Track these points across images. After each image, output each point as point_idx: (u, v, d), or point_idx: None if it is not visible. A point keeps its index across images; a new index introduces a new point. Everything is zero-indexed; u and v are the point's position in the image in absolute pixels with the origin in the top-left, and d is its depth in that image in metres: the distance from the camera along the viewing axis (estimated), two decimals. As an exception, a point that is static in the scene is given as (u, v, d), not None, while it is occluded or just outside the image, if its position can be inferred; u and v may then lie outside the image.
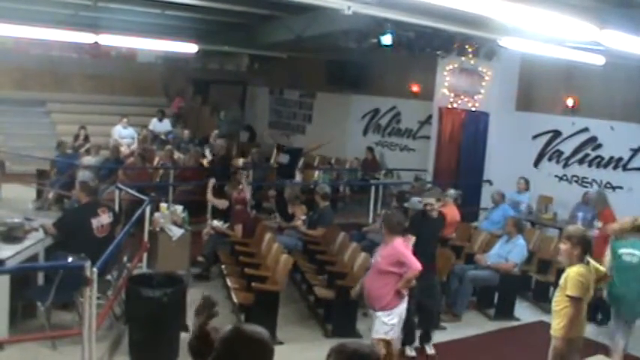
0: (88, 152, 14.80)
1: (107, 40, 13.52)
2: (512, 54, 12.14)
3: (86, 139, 16.24)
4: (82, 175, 11.30)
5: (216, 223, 10.33)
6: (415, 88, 16.47)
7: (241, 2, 12.28)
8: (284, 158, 14.04)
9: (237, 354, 2.90)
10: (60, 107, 19.12)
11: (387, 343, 6.25)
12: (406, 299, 6.79)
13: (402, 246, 6.78)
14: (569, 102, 12.99)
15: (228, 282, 8.65)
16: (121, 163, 13.99)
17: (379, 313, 6.71)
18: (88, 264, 5.85)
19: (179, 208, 10.17)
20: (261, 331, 2.96)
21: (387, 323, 6.65)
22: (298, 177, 15.01)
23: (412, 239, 7.86)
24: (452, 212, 10.65)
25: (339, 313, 8.20)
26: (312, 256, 9.81)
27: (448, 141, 14.51)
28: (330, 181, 14.90)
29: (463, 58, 13.47)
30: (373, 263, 6.95)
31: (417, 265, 6.63)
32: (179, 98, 20.62)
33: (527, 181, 12.54)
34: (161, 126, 18.03)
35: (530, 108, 13.62)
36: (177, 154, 15.31)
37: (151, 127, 17.83)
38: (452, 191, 11.05)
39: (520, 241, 9.39)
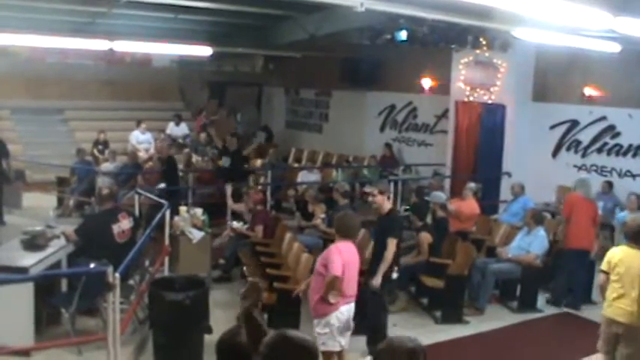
0: (106, 160, 14.89)
1: (122, 46, 13.61)
2: (527, 45, 12.05)
3: (105, 144, 16.35)
4: (102, 181, 11.39)
5: (235, 224, 10.35)
6: (430, 83, 16.40)
7: (253, 3, 12.30)
8: (225, 161, 13.73)
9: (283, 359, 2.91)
10: (77, 114, 19.27)
11: (326, 356, 6.15)
12: (338, 309, 6.27)
13: (336, 249, 6.32)
14: (586, 91, 12.89)
15: (250, 283, 8.64)
16: (140, 168, 14.06)
17: (314, 322, 6.35)
18: (110, 269, 5.88)
19: (199, 211, 10.21)
20: (307, 338, 2.95)
21: (320, 333, 6.24)
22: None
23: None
24: (471, 206, 10.63)
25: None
26: (332, 254, 9.79)
27: (465, 134, 14.45)
28: (349, 179, 14.90)
29: (478, 51, 13.41)
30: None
31: (333, 271, 6.10)
32: (202, 116, 19.91)
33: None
34: (178, 130, 18.11)
35: (547, 98, 13.52)
36: (194, 158, 15.37)
37: (168, 131, 17.89)
38: (472, 184, 11.01)
39: (541, 232, 9.35)
